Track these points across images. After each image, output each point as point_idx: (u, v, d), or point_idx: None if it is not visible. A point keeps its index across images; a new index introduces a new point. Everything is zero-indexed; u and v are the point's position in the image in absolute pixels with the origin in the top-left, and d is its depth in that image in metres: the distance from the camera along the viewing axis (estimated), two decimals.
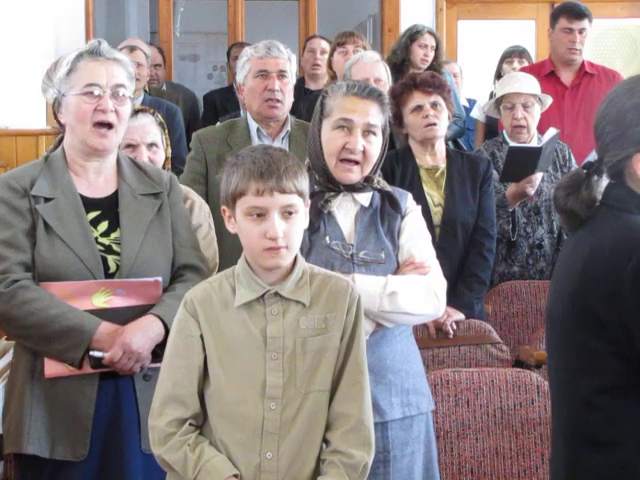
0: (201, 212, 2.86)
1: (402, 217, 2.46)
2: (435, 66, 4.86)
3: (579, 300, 1.88)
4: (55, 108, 2.49)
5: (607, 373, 1.84)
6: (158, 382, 2.04)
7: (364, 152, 2.39)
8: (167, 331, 2.33)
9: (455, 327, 3.29)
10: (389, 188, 2.47)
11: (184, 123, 5.48)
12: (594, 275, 1.86)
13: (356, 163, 2.40)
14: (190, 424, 1.99)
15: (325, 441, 2.01)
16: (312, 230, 2.37)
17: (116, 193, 2.48)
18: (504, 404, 2.76)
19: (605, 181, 1.95)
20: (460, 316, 3.31)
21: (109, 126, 2.41)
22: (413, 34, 4.91)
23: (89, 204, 2.44)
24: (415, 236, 2.46)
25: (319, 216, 2.40)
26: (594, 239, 1.90)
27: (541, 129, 4.02)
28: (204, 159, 3.39)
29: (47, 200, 2.39)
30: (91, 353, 2.30)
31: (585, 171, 1.95)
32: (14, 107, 5.50)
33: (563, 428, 1.96)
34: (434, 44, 4.87)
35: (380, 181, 2.46)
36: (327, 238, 2.38)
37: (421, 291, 2.36)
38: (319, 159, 2.42)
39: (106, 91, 2.40)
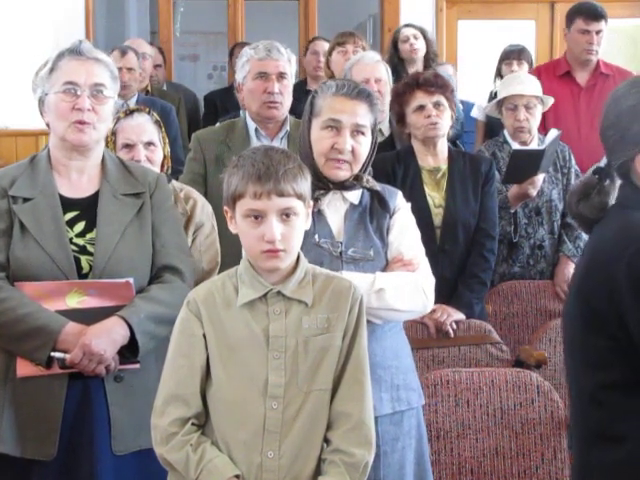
0: (203, 212, 2.87)
1: (391, 215, 2.47)
2: (432, 57, 4.89)
3: (582, 296, 1.91)
4: (40, 107, 2.50)
5: (611, 369, 1.86)
6: (161, 381, 2.04)
7: (353, 152, 2.41)
8: (132, 333, 2.33)
9: (455, 327, 3.29)
10: (378, 187, 2.48)
11: (185, 123, 5.49)
12: (594, 271, 1.89)
13: (345, 162, 2.41)
14: (192, 424, 1.99)
15: (326, 440, 2.01)
16: None
17: (97, 193, 2.47)
18: (504, 404, 2.77)
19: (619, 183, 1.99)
20: (460, 316, 3.32)
21: (87, 123, 2.41)
22: (393, 37, 4.97)
23: (68, 204, 2.43)
24: (404, 233, 2.46)
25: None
26: (598, 237, 1.94)
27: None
28: (203, 160, 3.40)
29: (26, 200, 2.39)
30: (52, 354, 2.30)
31: (597, 176, 1.98)
32: (14, 107, 5.50)
33: (575, 425, 2.00)
34: (415, 32, 4.89)
35: (369, 180, 2.47)
36: (316, 236, 2.39)
37: (409, 287, 2.37)
38: (308, 158, 2.43)
39: (85, 90, 2.40)
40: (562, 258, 3.93)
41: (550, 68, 4.61)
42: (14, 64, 5.55)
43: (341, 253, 2.40)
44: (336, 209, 2.45)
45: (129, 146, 2.83)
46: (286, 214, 1.97)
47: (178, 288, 2.43)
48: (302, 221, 2.01)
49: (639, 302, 1.80)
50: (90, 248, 2.39)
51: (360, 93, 2.43)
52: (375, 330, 2.37)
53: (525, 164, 3.72)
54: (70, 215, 2.42)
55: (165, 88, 6.05)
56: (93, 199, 2.46)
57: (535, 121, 3.95)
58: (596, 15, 4.51)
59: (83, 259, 2.38)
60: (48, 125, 2.50)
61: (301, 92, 5.19)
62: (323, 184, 2.43)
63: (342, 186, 2.45)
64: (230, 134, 3.46)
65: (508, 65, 5.27)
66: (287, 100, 3.42)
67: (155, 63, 5.86)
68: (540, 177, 3.79)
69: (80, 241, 2.40)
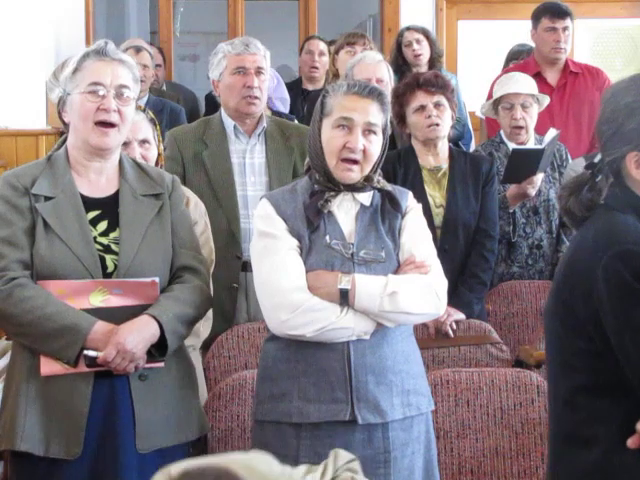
0: (197, 209, 2.88)
1: (402, 216, 2.46)
2: (435, 57, 4.89)
3: (561, 297, 1.91)
4: (60, 107, 2.51)
5: (585, 371, 1.86)
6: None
7: (364, 151, 2.39)
8: (162, 331, 2.35)
9: (455, 327, 3.29)
10: (389, 187, 2.47)
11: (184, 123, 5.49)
12: (573, 272, 1.88)
13: (356, 163, 2.40)
14: None
15: None
16: (312, 229, 2.37)
17: (117, 193, 2.48)
18: (504, 404, 2.76)
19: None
20: (460, 316, 3.32)
21: (111, 125, 2.41)
22: (396, 40, 4.96)
23: (89, 203, 2.44)
24: (415, 235, 2.46)
25: (319, 215, 2.39)
26: (580, 237, 1.93)
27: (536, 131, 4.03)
28: (181, 159, 3.39)
29: (47, 199, 2.40)
30: (85, 352, 2.30)
31: (589, 172, 1.97)
32: (14, 107, 5.50)
33: (550, 425, 2.01)
34: (418, 36, 4.89)
35: (380, 180, 2.46)
36: (327, 237, 2.38)
37: (421, 290, 2.36)
38: (319, 158, 2.42)
39: (110, 91, 2.41)
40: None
41: (519, 69, 4.59)
42: (14, 64, 5.55)
43: (352, 255, 2.38)
44: (347, 210, 2.44)
45: (125, 144, 2.83)
46: None
47: (198, 288, 2.46)
48: None
49: (615, 306, 1.79)
50: (114, 247, 2.40)
51: (372, 92, 2.42)
52: (387, 334, 2.37)
53: (524, 164, 3.72)
54: (92, 214, 2.44)
55: (164, 88, 6.05)
56: (113, 199, 2.47)
57: (531, 120, 3.95)
58: (561, 12, 4.55)
59: (108, 258, 2.39)
60: (67, 125, 2.51)
61: (297, 91, 5.20)
62: (334, 185, 2.42)
63: (353, 188, 2.43)
64: (207, 131, 3.45)
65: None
66: (264, 96, 3.43)
67: (155, 63, 5.85)
68: (539, 177, 3.79)
69: (104, 240, 2.41)
